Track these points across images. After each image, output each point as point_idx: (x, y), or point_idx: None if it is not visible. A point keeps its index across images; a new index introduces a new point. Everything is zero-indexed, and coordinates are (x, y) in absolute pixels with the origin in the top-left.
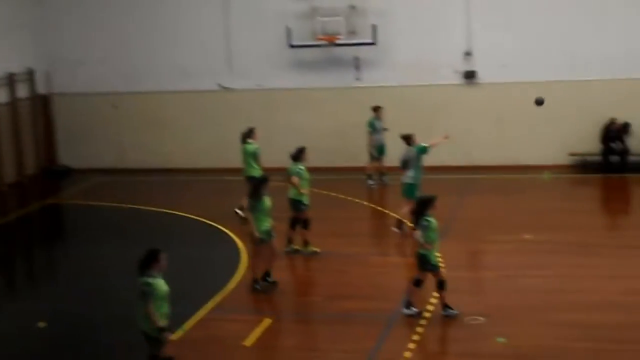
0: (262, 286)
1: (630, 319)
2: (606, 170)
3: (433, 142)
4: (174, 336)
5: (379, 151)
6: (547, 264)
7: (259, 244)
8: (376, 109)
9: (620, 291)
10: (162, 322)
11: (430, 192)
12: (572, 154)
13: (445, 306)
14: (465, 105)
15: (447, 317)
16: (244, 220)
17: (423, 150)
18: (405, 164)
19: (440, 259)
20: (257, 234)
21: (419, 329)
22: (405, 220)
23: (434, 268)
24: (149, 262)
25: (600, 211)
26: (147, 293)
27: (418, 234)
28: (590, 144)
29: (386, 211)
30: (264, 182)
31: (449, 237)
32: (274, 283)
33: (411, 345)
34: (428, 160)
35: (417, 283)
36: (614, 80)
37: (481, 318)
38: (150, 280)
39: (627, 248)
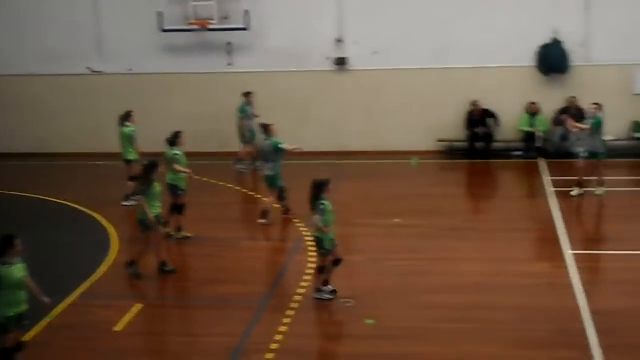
0: (135, 271)
1: (493, 300)
2: (472, 156)
3: (288, 146)
4: (44, 322)
5: (250, 136)
6: (416, 247)
7: (150, 230)
8: (247, 95)
9: (484, 273)
10: (13, 311)
11: (302, 177)
12: (440, 140)
13: (319, 290)
14: (337, 91)
15: (318, 299)
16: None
17: (276, 147)
18: (264, 155)
19: (335, 242)
20: (152, 218)
21: (291, 312)
22: (269, 210)
23: (326, 252)
24: (3, 248)
25: (467, 196)
26: None
27: (317, 218)
28: (457, 130)
29: (258, 196)
30: (154, 167)
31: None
32: (173, 271)
33: (283, 329)
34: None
35: (321, 270)
36: (481, 68)
37: (351, 301)
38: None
39: (492, 231)
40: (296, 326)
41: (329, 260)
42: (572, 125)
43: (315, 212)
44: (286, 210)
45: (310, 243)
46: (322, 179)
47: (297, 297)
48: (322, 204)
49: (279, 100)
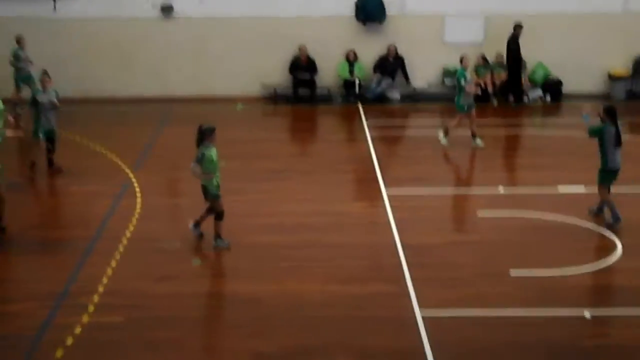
0: None
1: (314, 238)
2: (295, 102)
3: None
4: None
5: (24, 81)
6: (241, 189)
7: None
8: (19, 40)
9: (306, 213)
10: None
11: (129, 122)
12: (264, 86)
13: (218, 237)
14: (163, 38)
15: (217, 247)
16: None
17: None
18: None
19: (219, 189)
20: None
21: (117, 255)
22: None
23: (214, 197)
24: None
25: (290, 140)
26: None
27: (193, 165)
28: (281, 76)
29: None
30: None
31: (148, 166)
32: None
33: (109, 271)
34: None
35: (217, 216)
36: (304, 17)
37: (178, 242)
38: None
39: (314, 173)
40: (122, 268)
41: (216, 207)
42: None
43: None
44: (51, 162)
45: (137, 187)
46: (207, 125)
47: (124, 241)
48: (202, 153)
49: (104, 46)
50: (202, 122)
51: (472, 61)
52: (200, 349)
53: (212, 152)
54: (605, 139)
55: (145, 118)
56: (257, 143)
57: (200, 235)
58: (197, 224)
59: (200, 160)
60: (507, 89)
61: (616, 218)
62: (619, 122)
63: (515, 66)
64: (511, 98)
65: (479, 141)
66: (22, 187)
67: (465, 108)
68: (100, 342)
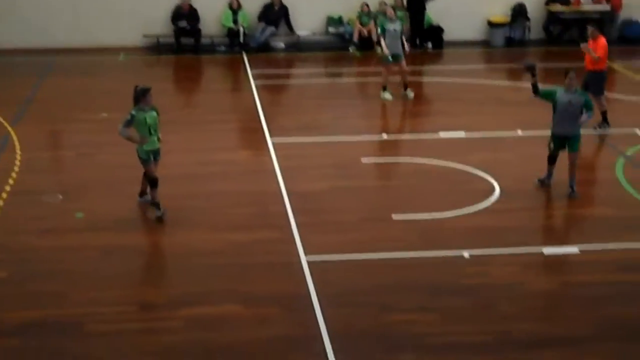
0: None
1: (200, 188)
2: (179, 51)
3: None
4: None
5: None
6: (122, 141)
7: None
8: None
9: (192, 163)
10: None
11: (7, 74)
12: (146, 36)
13: (155, 204)
14: None
15: (158, 218)
16: None
17: None
18: None
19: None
20: None
21: None
22: None
23: (142, 161)
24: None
25: (175, 90)
26: None
27: (120, 128)
28: (163, 26)
29: None
30: None
31: (27, 119)
32: None
33: None
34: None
35: (150, 183)
36: None
37: (60, 195)
38: None
39: (199, 124)
40: (4, 222)
41: (147, 173)
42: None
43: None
44: None
45: (16, 141)
46: (142, 86)
47: (4, 195)
48: (131, 114)
49: None
50: (80, 73)
51: (355, 9)
52: (86, 300)
53: (146, 115)
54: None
55: (25, 70)
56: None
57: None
58: (142, 194)
59: (129, 122)
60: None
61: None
62: None
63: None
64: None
65: (409, 93)
66: None
67: (390, 59)
68: None
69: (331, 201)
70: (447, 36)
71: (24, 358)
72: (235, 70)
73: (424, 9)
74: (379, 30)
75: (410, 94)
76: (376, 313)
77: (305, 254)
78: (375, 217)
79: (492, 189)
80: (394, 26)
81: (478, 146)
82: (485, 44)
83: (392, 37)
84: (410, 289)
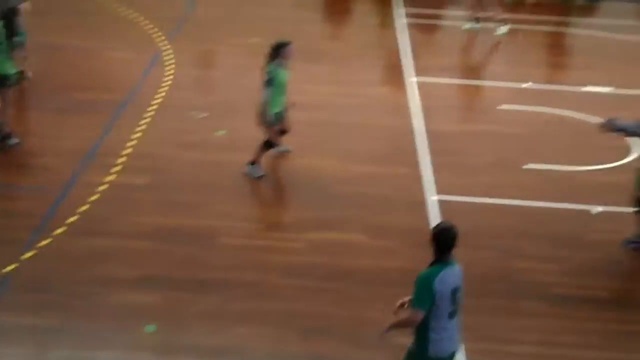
0: None
1: (335, 118)
2: None
3: None
4: None
5: None
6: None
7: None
8: None
9: (331, 93)
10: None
11: None
12: None
13: (252, 163)
14: None
15: (248, 174)
16: None
17: None
18: None
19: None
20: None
21: (145, 121)
22: None
23: (268, 124)
24: (277, 51)
25: (323, 21)
26: None
27: (263, 91)
28: None
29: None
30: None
31: (182, 37)
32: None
33: (136, 135)
34: None
35: (265, 144)
36: None
37: (205, 113)
38: None
39: (343, 57)
40: (149, 133)
41: (272, 134)
42: None
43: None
44: None
45: (170, 57)
46: (281, 40)
47: (153, 107)
48: (272, 73)
49: None
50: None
51: None
52: (218, 213)
53: (284, 73)
54: None
55: None
56: (289, 23)
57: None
58: (253, 163)
59: (271, 82)
60: None
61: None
62: None
63: None
64: None
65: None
66: (56, 47)
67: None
68: (124, 200)
69: (465, 143)
70: None
71: (156, 260)
72: (386, 7)
73: None
74: None
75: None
76: (498, 257)
77: (433, 192)
78: (506, 163)
79: (630, 147)
80: None
81: (623, 103)
82: None
83: None
84: (534, 238)
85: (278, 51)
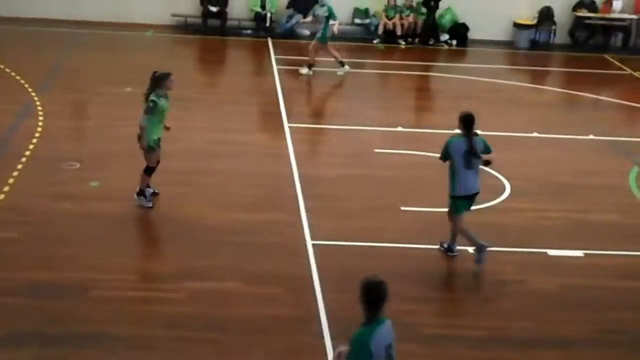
0: None
1: (212, 166)
2: (205, 32)
3: None
4: None
5: None
6: None
7: None
8: None
9: (208, 141)
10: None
11: (36, 44)
12: (175, 15)
13: (141, 193)
14: None
15: (139, 204)
16: None
17: None
18: None
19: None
20: None
21: (15, 173)
22: None
23: (149, 148)
24: (158, 82)
25: (199, 70)
26: None
27: (141, 119)
28: (191, 6)
29: None
30: None
31: (53, 88)
32: None
33: (6, 188)
34: (34, 12)
35: (146, 170)
36: None
37: (77, 164)
38: None
39: (220, 103)
40: (20, 185)
41: (148, 159)
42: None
43: (145, 106)
44: None
45: (40, 108)
46: (161, 71)
47: (23, 159)
48: (153, 101)
49: None
50: (106, 47)
51: (382, 2)
52: (94, 266)
53: (164, 102)
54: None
55: (53, 40)
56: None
57: (153, 193)
58: (139, 194)
59: (152, 109)
60: (422, 31)
61: (480, 247)
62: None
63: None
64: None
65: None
66: None
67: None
68: None
69: (341, 188)
70: (472, 35)
71: (27, 316)
72: (259, 54)
73: (436, 7)
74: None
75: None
76: None
77: (312, 237)
78: (383, 206)
79: (503, 188)
80: (319, 11)
81: (492, 145)
82: (509, 44)
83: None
84: (411, 279)
85: (158, 82)
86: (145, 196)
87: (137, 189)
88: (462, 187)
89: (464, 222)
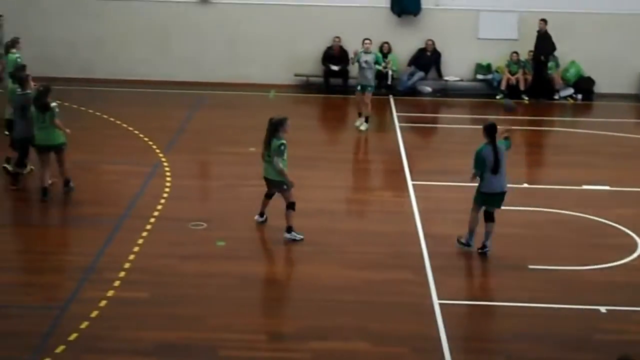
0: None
1: (335, 224)
2: (327, 91)
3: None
4: None
5: None
6: None
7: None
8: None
9: (331, 199)
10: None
11: (162, 105)
12: (297, 75)
13: (289, 228)
14: (198, 23)
15: (289, 239)
16: None
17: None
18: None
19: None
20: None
21: (144, 233)
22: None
23: (288, 188)
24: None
25: (320, 128)
26: None
27: (276, 160)
28: (313, 65)
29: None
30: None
31: (178, 148)
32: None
33: (136, 248)
34: (162, 74)
35: (289, 206)
36: (339, 7)
37: (204, 224)
38: None
39: (342, 162)
40: (149, 246)
41: (287, 197)
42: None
43: (272, 152)
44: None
45: (167, 168)
46: (278, 117)
47: (152, 220)
48: (282, 143)
49: (139, 29)
50: (229, 108)
51: (505, 58)
52: (221, 325)
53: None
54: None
55: (178, 101)
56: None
57: (265, 219)
58: (290, 228)
59: (283, 151)
60: (535, 85)
61: (468, 245)
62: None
63: (542, 62)
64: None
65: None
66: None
67: (358, 88)
68: (124, 316)
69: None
70: (598, 88)
71: None
72: (382, 112)
73: (546, 60)
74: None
75: (362, 124)
76: None
77: (438, 296)
78: (511, 264)
79: (635, 245)
80: (367, 57)
81: (622, 201)
82: (637, 98)
83: (364, 68)
84: (540, 340)
85: (277, 127)
86: (294, 231)
87: (286, 226)
88: (486, 186)
89: (478, 219)
